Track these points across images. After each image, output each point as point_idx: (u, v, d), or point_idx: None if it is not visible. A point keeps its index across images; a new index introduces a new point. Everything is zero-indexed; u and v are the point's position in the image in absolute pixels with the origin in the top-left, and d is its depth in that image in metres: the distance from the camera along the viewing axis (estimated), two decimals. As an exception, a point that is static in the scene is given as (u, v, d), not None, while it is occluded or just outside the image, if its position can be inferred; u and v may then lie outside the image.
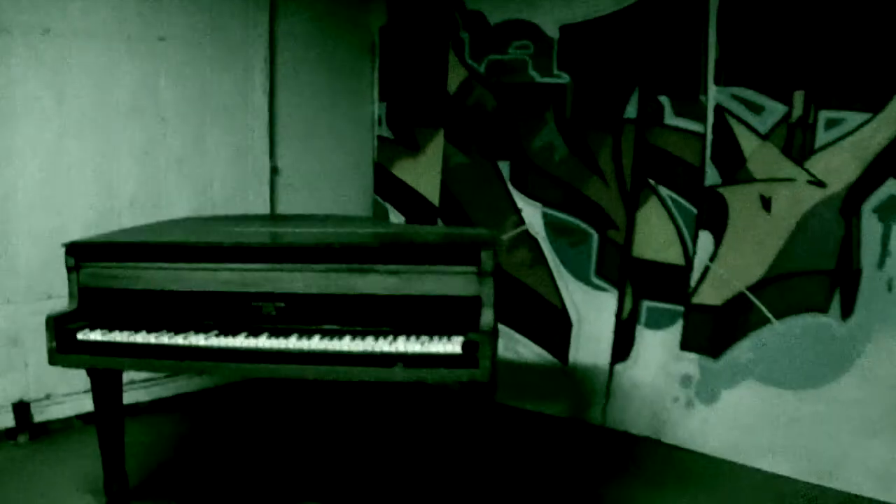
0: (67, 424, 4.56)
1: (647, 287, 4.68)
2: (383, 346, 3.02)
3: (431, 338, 3.06)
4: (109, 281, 3.30)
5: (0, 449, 4.30)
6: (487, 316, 3.09)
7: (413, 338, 3.07)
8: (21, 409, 4.40)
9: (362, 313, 3.18)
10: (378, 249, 3.22)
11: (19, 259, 4.43)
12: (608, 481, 4.13)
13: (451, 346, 2.99)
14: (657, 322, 4.65)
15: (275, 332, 3.14)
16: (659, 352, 4.64)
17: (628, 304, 4.72)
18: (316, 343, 3.04)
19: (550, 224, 4.94)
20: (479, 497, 3.44)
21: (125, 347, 3.13)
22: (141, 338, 3.13)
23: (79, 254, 3.31)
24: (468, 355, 2.96)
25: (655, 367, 4.65)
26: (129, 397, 4.66)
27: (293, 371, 3.05)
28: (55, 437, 4.46)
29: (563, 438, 4.73)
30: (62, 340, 3.17)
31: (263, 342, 3.07)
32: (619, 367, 4.77)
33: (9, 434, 4.38)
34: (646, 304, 4.68)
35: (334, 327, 3.18)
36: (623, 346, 4.75)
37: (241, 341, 3.08)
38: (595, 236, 4.79)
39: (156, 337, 3.12)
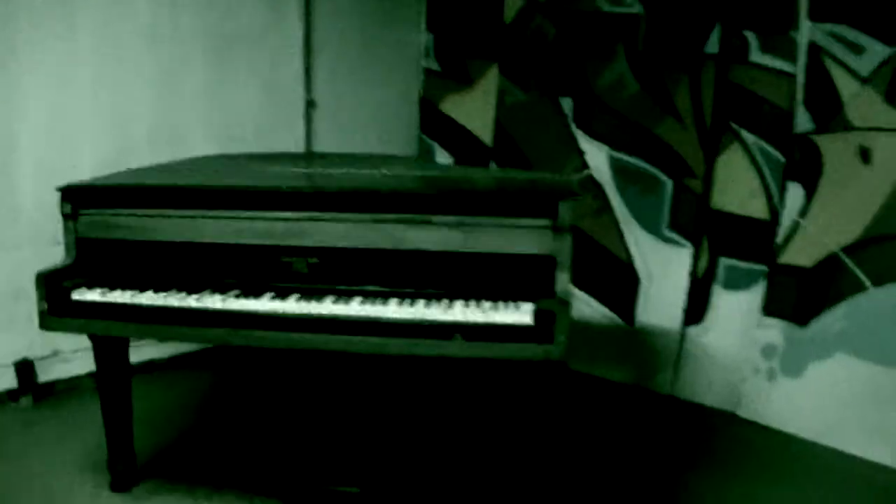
0: (75, 384, 4.04)
1: (726, 243, 4.09)
2: (437, 313, 2.44)
3: (495, 305, 2.49)
4: (112, 231, 2.74)
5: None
6: (563, 280, 2.50)
7: (473, 304, 2.49)
8: (24, 368, 3.89)
9: (412, 273, 2.61)
10: (434, 197, 2.62)
11: (24, 200, 3.88)
12: (678, 459, 3.60)
13: (521, 315, 2.42)
14: (736, 282, 4.07)
15: (307, 294, 2.57)
16: (738, 316, 4.06)
17: (704, 262, 4.12)
18: (356, 308, 2.47)
19: (618, 169, 4.32)
20: (537, 482, 2.89)
21: (128, 310, 2.58)
22: (147, 298, 2.57)
23: (76, 199, 2.75)
24: (541, 327, 2.39)
25: (733, 332, 4.08)
26: (143, 353, 4.19)
27: (327, 342, 2.48)
28: (61, 399, 3.95)
29: (626, 408, 4.19)
30: (55, 300, 2.62)
31: (292, 306, 2.50)
32: (691, 332, 4.19)
33: (11, 395, 3.88)
34: (724, 261, 4.08)
35: (378, 289, 2.60)
36: (697, 307, 4.17)
37: (266, 304, 2.51)
38: (669, 184, 4.16)
39: (164, 297, 2.56)
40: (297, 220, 2.62)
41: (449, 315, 2.43)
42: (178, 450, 3.46)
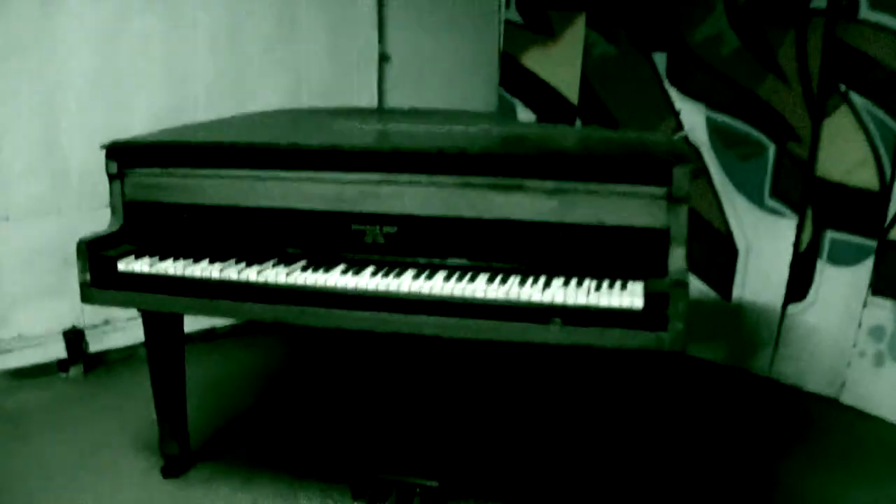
0: (128, 354, 3.77)
1: (832, 214, 3.64)
2: (534, 293, 2.08)
3: (599, 285, 2.12)
4: (163, 193, 2.42)
5: (48, 385, 3.54)
6: (678, 257, 2.12)
7: (574, 283, 2.12)
8: (74, 337, 3.62)
9: (502, 247, 2.24)
10: (529, 159, 2.24)
11: (71, 163, 3.60)
12: (775, 447, 3.21)
13: (630, 298, 2.04)
14: (843, 258, 3.62)
15: (383, 268, 2.23)
16: (843, 294, 3.62)
17: (808, 234, 3.69)
18: (440, 285, 2.12)
19: (716, 130, 3.89)
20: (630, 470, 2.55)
21: (179, 283, 2.26)
22: (200, 270, 2.24)
23: (123, 157, 2.44)
24: (653, 312, 2.02)
25: (838, 312, 3.64)
26: (201, 321, 3.87)
27: (405, 324, 2.14)
28: (113, 370, 3.68)
29: (721, 390, 3.80)
30: (99, 271, 2.31)
31: (367, 281, 2.15)
32: (792, 309, 3.76)
33: (60, 366, 3.61)
34: (830, 234, 3.64)
35: (464, 262, 2.25)
36: (799, 284, 3.73)
37: (336, 279, 2.17)
38: (772, 148, 3.72)
39: (220, 269, 2.23)
40: (372, 183, 2.27)
41: (548, 296, 2.06)
42: (238, 430, 3.16)
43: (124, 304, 2.35)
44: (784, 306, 3.76)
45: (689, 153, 2.31)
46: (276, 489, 2.72)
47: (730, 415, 3.52)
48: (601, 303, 2.05)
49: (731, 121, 3.83)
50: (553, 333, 2.06)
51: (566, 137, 2.87)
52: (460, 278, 2.15)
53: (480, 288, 2.09)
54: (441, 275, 2.17)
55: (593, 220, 2.18)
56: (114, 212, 2.46)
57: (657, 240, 2.15)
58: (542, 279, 2.15)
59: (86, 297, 2.32)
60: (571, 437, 3.13)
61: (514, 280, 2.14)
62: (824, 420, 3.47)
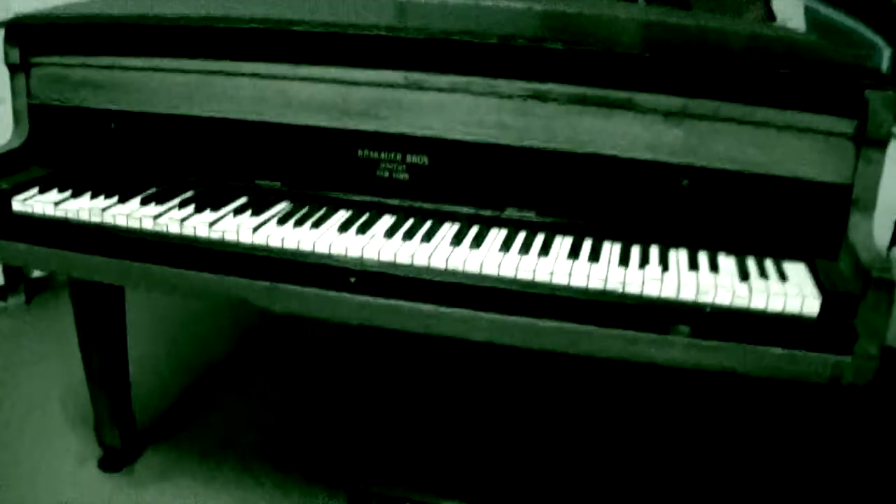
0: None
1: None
2: (644, 280, 1.24)
3: (742, 270, 1.29)
4: (83, 93, 1.57)
5: (-19, 319, 2.75)
6: (864, 230, 1.29)
7: (704, 263, 1.30)
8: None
9: (590, 197, 1.39)
10: (641, 60, 1.36)
11: None
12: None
13: (797, 297, 1.22)
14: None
15: (404, 220, 1.40)
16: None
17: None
18: (494, 258, 1.28)
19: (817, 26, 2.95)
20: None
21: (95, 235, 1.42)
22: (126, 214, 1.41)
23: (30, 40, 1.57)
24: (831, 323, 1.19)
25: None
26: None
27: (436, 321, 1.29)
28: (60, 295, 2.85)
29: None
30: (-16, 208, 1.48)
31: (379, 245, 1.32)
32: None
33: (-2, 294, 2.82)
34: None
35: (529, 217, 1.41)
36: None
37: (330, 238, 1.34)
38: (886, 54, 2.80)
39: (156, 216, 1.40)
40: (392, 86, 1.41)
41: (668, 287, 1.24)
42: (202, 403, 2.34)
43: (15, 260, 1.52)
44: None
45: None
46: (254, 493, 1.97)
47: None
48: (754, 304, 1.22)
49: (838, 15, 2.89)
50: (676, 350, 1.24)
51: (692, 28, 1.95)
52: (526, 246, 1.32)
53: (562, 269, 1.26)
54: (495, 238, 1.35)
55: (735, 164, 1.33)
56: (16, 119, 1.61)
57: (830, 201, 1.31)
58: (655, 254, 1.32)
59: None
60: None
61: (609, 254, 1.32)
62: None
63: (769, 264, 1.32)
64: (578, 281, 1.25)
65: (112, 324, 1.86)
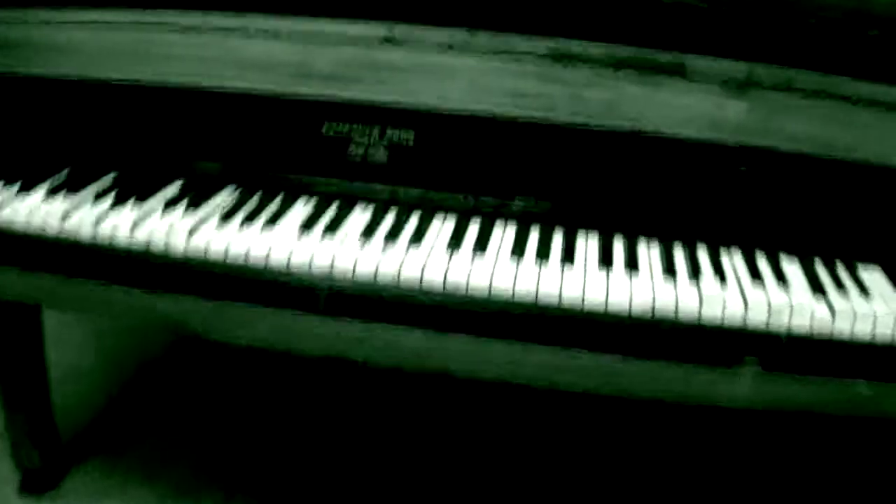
0: None
1: None
2: (709, 300, 0.94)
3: (813, 282, 0.99)
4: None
5: None
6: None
7: (769, 274, 1.00)
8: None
9: (628, 185, 1.07)
10: (701, 14, 1.02)
11: None
12: None
13: (890, 318, 0.94)
14: None
15: (383, 213, 1.08)
16: None
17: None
18: (507, 268, 0.97)
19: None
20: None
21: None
22: (25, 210, 1.05)
23: None
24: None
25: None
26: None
27: (430, 354, 0.98)
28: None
29: None
30: None
31: (352, 250, 0.99)
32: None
33: None
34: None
35: (543, 208, 1.09)
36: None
37: (288, 243, 1.00)
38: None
39: (65, 213, 1.04)
40: (369, 42, 1.07)
41: (733, 307, 0.93)
42: (134, 418, 1.94)
43: None
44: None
45: None
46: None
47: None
48: (838, 328, 0.93)
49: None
50: (741, 387, 0.95)
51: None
52: (544, 252, 1.00)
53: (597, 282, 0.95)
54: (502, 239, 1.03)
55: (810, 147, 1.03)
56: None
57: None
58: (705, 260, 1.02)
59: None
60: None
61: (650, 259, 1.01)
62: None
63: (842, 271, 1.03)
64: (619, 301, 0.94)
65: (26, 339, 1.51)
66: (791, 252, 1.06)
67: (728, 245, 1.07)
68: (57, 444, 1.69)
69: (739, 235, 1.06)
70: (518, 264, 0.97)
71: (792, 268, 1.03)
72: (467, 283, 0.95)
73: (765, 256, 1.05)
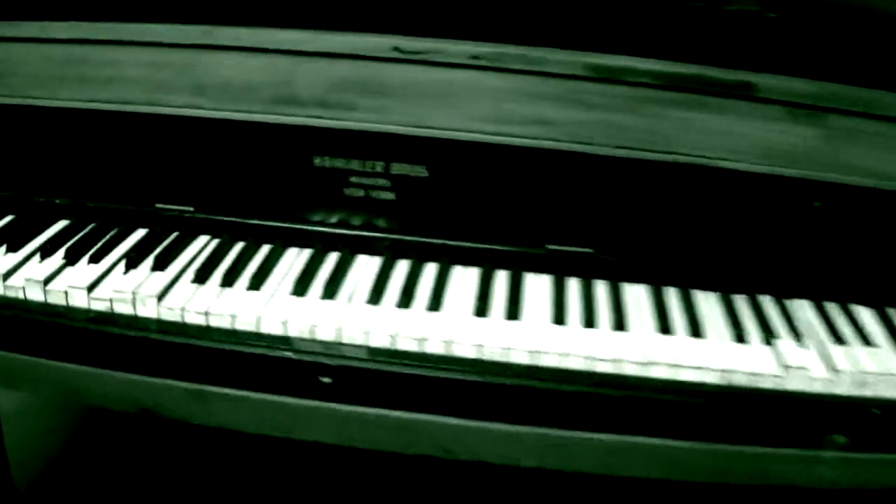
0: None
1: None
2: (793, 371, 0.78)
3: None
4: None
5: None
6: None
7: (849, 331, 0.85)
8: None
9: (680, 227, 0.90)
10: (768, 24, 0.86)
11: None
12: None
13: None
14: None
15: (391, 264, 0.89)
16: None
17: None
18: (549, 332, 0.80)
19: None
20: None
21: None
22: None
23: None
24: None
25: None
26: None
27: (451, 443, 0.80)
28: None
29: None
30: None
31: (363, 319, 0.81)
32: None
33: None
34: None
35: (584, 252, 0.91)
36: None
37: (284, 308, 0.81)
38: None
39: (4, 276, 0.84)
40: (369, 58, 0.88)
41: (817, 374, 0.77)
42: (92, 461, 1.71)
43: None
44: None
45: None
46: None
47: None
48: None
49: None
50: (824, 467, 0.79)
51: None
52: (589, 313, 0.83)
53: (660, 354, 0.79)
54: (537, 298, 0.86)
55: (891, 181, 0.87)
56: None
57: None
58: (775, 316, 0.86)
59: None
60: None
61: (715, 320, 0.85)
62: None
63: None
64: (688, 374, 0.78)
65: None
66: (864, 303, 0.90)
67: (798, 297, 0.90)
68: (11, 496, 1.48)
69: (811, 286, 0.90)
70: (562, 330, 0.80)
71: (869, 320, 0.87)
72: (502, 359, 0.77)
73: (839, 309, 0.89)
